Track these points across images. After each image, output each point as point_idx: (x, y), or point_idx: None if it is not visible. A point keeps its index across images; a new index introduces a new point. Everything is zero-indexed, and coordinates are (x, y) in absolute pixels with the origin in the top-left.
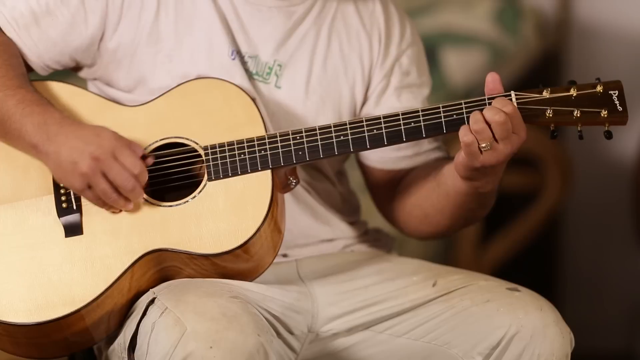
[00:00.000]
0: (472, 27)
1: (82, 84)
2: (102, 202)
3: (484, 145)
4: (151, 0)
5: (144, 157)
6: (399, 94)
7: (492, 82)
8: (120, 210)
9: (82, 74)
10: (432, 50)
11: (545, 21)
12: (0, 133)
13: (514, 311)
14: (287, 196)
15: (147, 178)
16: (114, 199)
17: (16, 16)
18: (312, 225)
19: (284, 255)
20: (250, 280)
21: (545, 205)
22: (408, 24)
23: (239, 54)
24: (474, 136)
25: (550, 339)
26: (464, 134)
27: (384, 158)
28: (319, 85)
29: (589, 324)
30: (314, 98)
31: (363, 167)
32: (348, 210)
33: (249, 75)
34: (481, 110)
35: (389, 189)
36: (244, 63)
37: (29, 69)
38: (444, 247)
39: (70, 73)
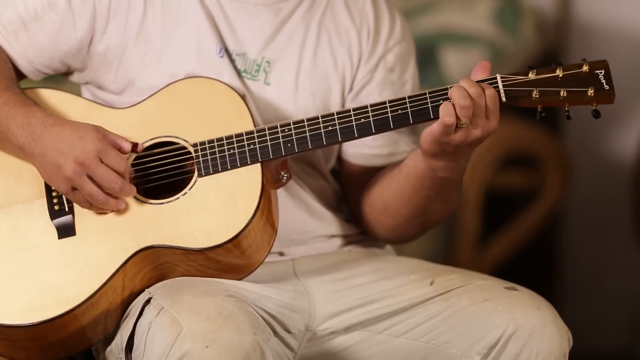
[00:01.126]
0: (471, 26)
1: (74, 89)
2: (89, 204)
3: (463, 122)
4: (138, 1)
5: (134, 146)
6: (381, 90)
7: (483, 67)
8: (112, 211)
9: (74, 78)
10: (431, 49)
11: (544, 21)
12: None
13: (511, 310)
14: (281, 192)
15: (130, 171)
16: (102, 201)
17: (4, 23)
18: (307, 221)
19: (280, 254)
20: (245, 277)
21: (545, 204)
22: (399, 20)
23: (227, 51)
24: (457, 116)
25: (549, 338)
26: (446, 113)
27: (359, 154)
28: (309, 81)
29: (589, 324)
30: (303, 94)
31: (339, 161)
32: (344, 208)
33: (238, 72)
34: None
35: (358, 184)
36: (232, 61)
37: (22, 75)
38: (444, 247)
39: (62, 79)
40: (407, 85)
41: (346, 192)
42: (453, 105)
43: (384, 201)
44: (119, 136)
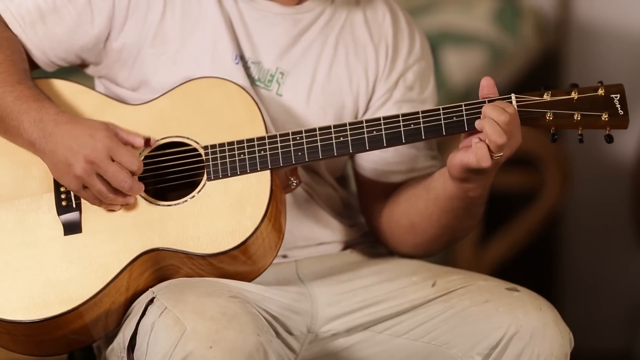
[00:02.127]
0: (471, 26)
1: (89, 80)
2: (99, 202)
3: (497, 155)
4: (158, 1)
5: (147, 141)
6: (399, 107)
7: (487, 86)
8: (120, 208)
9: (89, 70)
10: (431, 49)
11: (544, 21)
12: (0, 130)
13: (513, 311)
14: (289, 200)
15: (142, 169)
16: (111, 199)
17: (22, 13)
18: (314, 228)
19: (284, 256)
20: (250, 280)
21: (544, 205)
22: (418, 38)
23: (242, 58)
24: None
25: (550, 339)
26: (483, 159)
27: (377, 170)
28: (322, 95)
29: (589, 324)
30: (315, 108)
31: (356, 175)
32: (348, 213)
33: (252, 80)
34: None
35: (378, 200)
36: (247, 68)
37: (35, 65)
38: None
39: (77, 70)
40: (427, 103)
41: (365, 207)
42: (483, 131)
43: (410, 220)
44: (130, 132)
